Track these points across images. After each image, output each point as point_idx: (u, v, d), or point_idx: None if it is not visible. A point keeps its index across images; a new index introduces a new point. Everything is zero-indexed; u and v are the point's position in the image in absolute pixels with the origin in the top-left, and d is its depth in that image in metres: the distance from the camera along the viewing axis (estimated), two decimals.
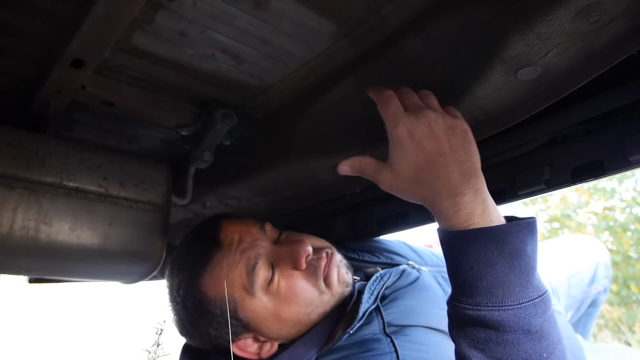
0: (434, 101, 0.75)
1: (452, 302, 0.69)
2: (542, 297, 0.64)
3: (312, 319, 0.93)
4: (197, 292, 0.91)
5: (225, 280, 0.89)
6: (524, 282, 0.63)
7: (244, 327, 0.91)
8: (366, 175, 0.80)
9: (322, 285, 0.93)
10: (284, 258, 0.92)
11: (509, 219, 0.68)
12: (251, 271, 0.89)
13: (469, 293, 0.65)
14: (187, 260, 0.95)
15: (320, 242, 1.01)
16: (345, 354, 0.87)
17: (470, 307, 0.65)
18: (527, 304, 0.63)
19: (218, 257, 0.91)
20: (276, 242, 0.97)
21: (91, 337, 6.11)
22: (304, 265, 0.91)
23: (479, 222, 0.65)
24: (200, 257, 0.93)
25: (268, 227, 0.99)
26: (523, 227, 0.64)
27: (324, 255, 0.95)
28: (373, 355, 0.84)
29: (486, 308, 0.63)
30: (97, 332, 6.20)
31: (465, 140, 0.70)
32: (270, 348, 0.95)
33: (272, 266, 0.91)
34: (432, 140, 0.69)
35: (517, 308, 0.63)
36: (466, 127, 0.71)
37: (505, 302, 0.63)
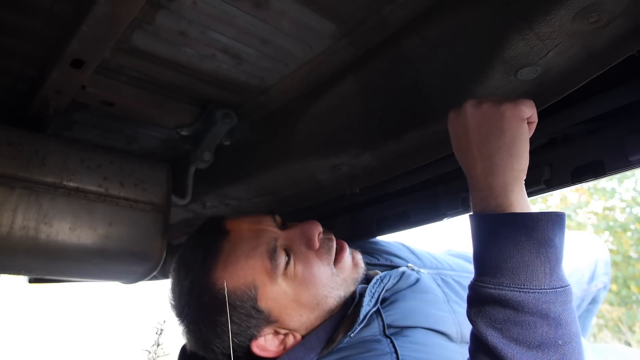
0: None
1: (474, 284, 0.71)
2: (564, 289, 0.66)
3: (329, 304, 0.93)
4: (212, 286, 0.87)
5: (245, 267, 0.87)
6: (547, 270, 0.65)
7: (265, 319, 0.89)
8: None
9: (333, 268, 0.94)
10: (296, 240, 0.92)
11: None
12: (273, 253, 0.88)
13: (493, 273, 0.67)
14: (195, 257, 0.91)
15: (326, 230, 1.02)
16: (344, 354, 0.86)
17: (492, 286, 0.67)
18: (548, 290, 0.65)
19: (229, 247, 0.90)
20: (284, 229, 0.98)
21: (91, 337, 6.11)
22: (317, 244, 0.92)
23: (506, 209, 0.69)
24: (210, 249, 0.90)
25: (277, 217, 1.00)
26: (553, 218, 0.67)
27: (333, 237, 0.97)
28: (373, 355, 0.84)
29: (508, 288, 0.65)
30: (97, 332, 6.20)
31: (495, 131, 0.70)
32: (293, 341, 0.92)
33: (286, 251, 0.91)
34: (463, 135, 0.73)
35: (538, 292, 0.64)
36: (502, 113, 0.69)
37: (527, 285, 0.65)
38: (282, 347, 0.92)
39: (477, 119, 0.70)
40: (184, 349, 1.02)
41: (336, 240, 0.98)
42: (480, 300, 0.69)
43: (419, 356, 0.86)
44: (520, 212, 0.68)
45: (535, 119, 0.71)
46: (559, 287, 0.65)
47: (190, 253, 0.94)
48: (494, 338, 0.66)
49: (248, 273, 0.87)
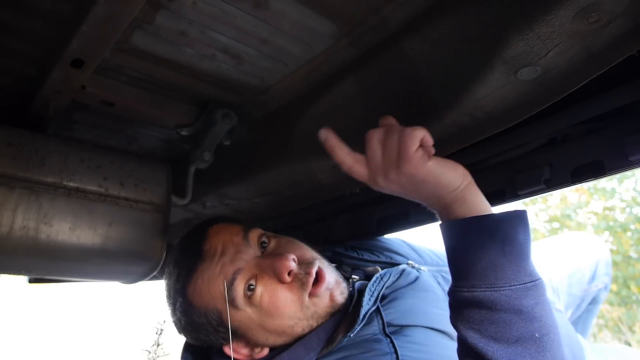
0: (406, 142, 0.73)
1: (451, 290, 0.74)
2: (534, 283, 0.68)
3: (296, 332, 0.92)
4: (183, 301, 0.93)
5: (207, 294, 0.90)
6: (515, 266, 0.68)
7: (233, 334, 0.92)
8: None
9: (306, 299, 0.90)
10: (267, 271, 0.90)
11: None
12: (230, 286, 0.88)
13: (465, 277, 0.71)
14: (175, 269, 0.96)
15: (310, 253, 0.97)
16: (344, 354, 0.87)
17: (466, 289, 0.70)
18: (518, 286, 0.67)
19: (201, 270, 0.91)
20: (264, 249, 0.96)
21: (91, 337, 6.11)
22: (287, 279, 0.89)
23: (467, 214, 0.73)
24: (185, 268, 0.94)
25: (253, 235, 0.96)
26: (513, 216, 0.71)
27: (312, 271, 0.92)
28: (373, 356, 0.84)
29: (480, 289, 0.68)
30: (97, 332, 6.20)
31: (414, 182, 0.74)
32: (261, 351, 0.95)
33: (255, 278, 0.90)
34: (398, 193, 0.78)
35: (508, 289, 0.67)
36: (406, 170, 0.72)
37: (497, 284, 0.68)
38: (250, 354, 0.96)
39: (393, 187, 0.76)
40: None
41: (318, 271, 0.93)
42: (458, 305, 0.72)
43: (419, 356, 0.86)
44: (482, 215, 0.72)
45: (429, 142, 0.73)
46: (529, 282, 0.68)
47: (173, 263, 0.98)
48: (473, 339, 0.68)
49: (210, 300, 0.90)
